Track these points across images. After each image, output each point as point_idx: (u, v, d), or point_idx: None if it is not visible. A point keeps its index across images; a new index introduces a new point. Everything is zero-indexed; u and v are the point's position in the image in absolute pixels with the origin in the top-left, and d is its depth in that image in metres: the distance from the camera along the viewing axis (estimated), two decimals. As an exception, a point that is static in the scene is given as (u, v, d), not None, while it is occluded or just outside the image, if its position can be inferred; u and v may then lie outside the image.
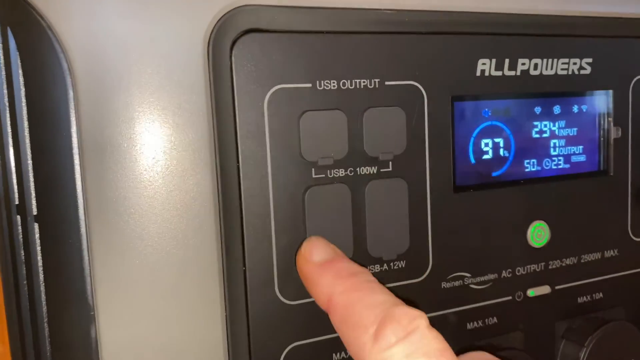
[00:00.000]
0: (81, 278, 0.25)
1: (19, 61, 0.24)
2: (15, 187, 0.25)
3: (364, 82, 0.29)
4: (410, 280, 0.31)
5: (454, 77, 0.31)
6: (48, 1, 0.24)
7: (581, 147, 0.36)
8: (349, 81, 0.28)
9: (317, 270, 0.26)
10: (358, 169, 0.29)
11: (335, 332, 0.29)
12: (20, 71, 0.24)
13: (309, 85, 0.28)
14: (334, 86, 0.28)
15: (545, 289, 0.35)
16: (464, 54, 0.31)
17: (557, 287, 0.35)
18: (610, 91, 0.36)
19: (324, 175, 0.28)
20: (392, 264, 0.30)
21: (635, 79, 0.37)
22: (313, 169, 0.28)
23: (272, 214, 0.27)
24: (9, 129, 0.25)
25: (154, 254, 0.25)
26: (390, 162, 0.30)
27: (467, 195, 0.32)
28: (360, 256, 0.29)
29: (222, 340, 0.27)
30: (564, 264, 0.36)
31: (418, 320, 0.22)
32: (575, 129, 0.36)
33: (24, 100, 0.25)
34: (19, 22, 0.24)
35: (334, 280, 0.25)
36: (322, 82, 0.28)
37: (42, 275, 0.25)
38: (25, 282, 0.26)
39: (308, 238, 0.27)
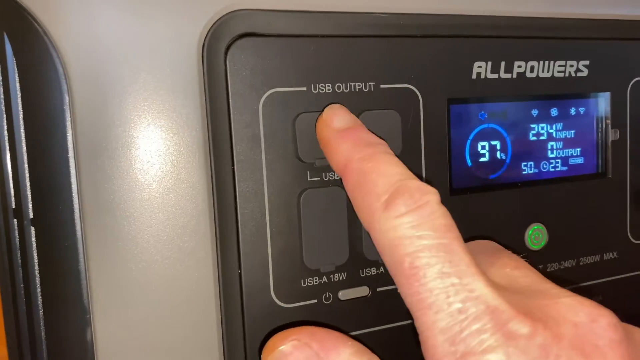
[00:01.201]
0: (77, 281, 0.25)
1: (15, 66, 0.25)
2: (12, 191, 0.26)
3: (359, 85, 0.29)
4: (406, 283, 0.31)
5: (450, 80, 0.31)
6: (44, 7, 0.24)
7: (579, 149, 0.36)
8: (343, 84, 0.28)
9: (336, 135, 0.26)
10: (353, 172, 0.29)
11: (331, 335, 0.29)
12: (16, 76, 0.25)
13: (304, 88, 0.28)
14: (329, 89, 0.28)
15: (543, 292, 0.35)
16: (460, 57, 0.31)
17: (555, 290, 0.35)
18: (608, 93, 0.36)
19: (319, 179, 0.28)
20: (388, 266, 0.30)
21: (633, 81, 0.37)
22: (308, 172, 0.28)
23: (268, 217, 0.27)
24: (6, 134, 0.25)
25: (149, 257, 0.26)
26: (386, 165, 0.30)
27: (463, 198, 0.32)
28: (356, 259, 0.29)
29: (217, 343, 0.27)
30: (562, 267, 0.35)
31: (430, 195, 0.23)
32: (572, 131, 0.36)
33: (20, 105, 0.25)
34: (15, 28, 0.25)
35: (353, 148, 0.25)
36: (317, 85, 0.28)
37: (39, 279, 0.26)
38: (22, 285, 0.26)
39: (330, 105, 0.28)
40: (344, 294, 0.29)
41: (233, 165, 0.27)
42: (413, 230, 0.22)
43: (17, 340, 0.27)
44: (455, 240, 0.22)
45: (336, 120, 0.27)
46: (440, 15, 0.30)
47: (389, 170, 0.24)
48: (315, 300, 0.29)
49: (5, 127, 0.25)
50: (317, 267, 0.28)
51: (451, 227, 0.22)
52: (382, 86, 0.29)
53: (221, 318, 0.27)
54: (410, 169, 0.30)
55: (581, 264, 0.36)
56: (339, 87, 0.28)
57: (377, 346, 0.31)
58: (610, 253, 0.37)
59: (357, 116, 0.29)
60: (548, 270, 0.35)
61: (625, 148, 0.37)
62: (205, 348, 0.27)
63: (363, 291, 0.30)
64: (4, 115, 0.25)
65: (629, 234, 0.37)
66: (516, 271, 0.25)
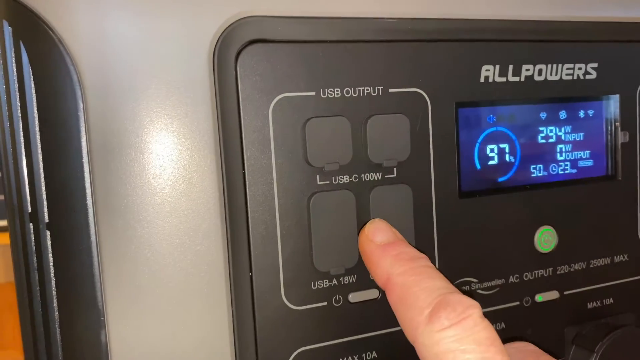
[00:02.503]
0: (91, 284, 0.26)
1: (31, 74, 0.25)
2: (28, 195, 0.26)
3: (367, 89, 0.29)
4: (416, 286, 0.31)
5: (458, 84, 0.31)
6: (59, 16, 0.25)
7: (588, 152, 0.36)
8: (352, 89, 0.29)
9: (378, 250, 0.27)
10: (362, 175, 0.29)
11: (341, 337, 0.30)
12: (32, 84, 0.25)
13: (313, 93, 0.28)
14: (337, 94, 0.29)
15: (553, 294, 0.35)
16: (468, 61, 0.32)
17: (565, 293, 0.35)
18: (617, 96, 0.36)
19: (328, 182, 0.29)
20: (397, 269, 0.30)
21: (642, 83, 0.37)
22: (318, 176, 0.28)
23: (278, 220, 0.28)
24: (22, 140, 0.26)
25: (162, 260, 0.26)
26: (395, 169, 0.30)
27: (472, 201, 0.32)
28: (366, 262, 0.30)
29: (229, 345, 0.27)
30: (572, 269, 0.35)
31: (472, 309, 0.23)
32: (581, 134, 0.36)
33: (36, 111, 0.25)
34: (31, 37, 0.25)
35: (394, 262, 0.26)
36: (326, 90, 0.28)
37: (54, 282, 0.26)
38: (38, 288, 0.27)
39: (372, 220, 0.29)
40: (354, 297, 0.30)
41: (244, 169, 0.27)
42: (457, 344, 0.22)
43: (34, 342, 0.27)
44: (498, 355, 0.23)
45: (378, 236, 0.28)
46: (447, 19, 0.31)
47: (431, 284, 0.25)
48: (326, 303, 0.29)
49: (22, 133, 0.26)
50: (327, 269, 0.29)
51: (494, 340, 0.23)
52: (390, 90, 0.30)
53: (232, 319, 0.27)
54: (419, 173, 0.31)
55: (591, 266, 0.36)
56: (347, 92, 0.29)
57: (386, 349, 0.31)
58: (621, 255, 0.37)
59: (366, 120, 0.29)
60: (558, 272, 0.35)
61: (635, 150, 0.37)
62: (217, 349, 0.27)
63: (373, 294, 0.30)
64: (20, 122, 0.26)
65: (639, 236, 0.37)
66: None
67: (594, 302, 0.36)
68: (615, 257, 0.37)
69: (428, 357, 0.23)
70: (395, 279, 0.26)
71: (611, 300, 0.37)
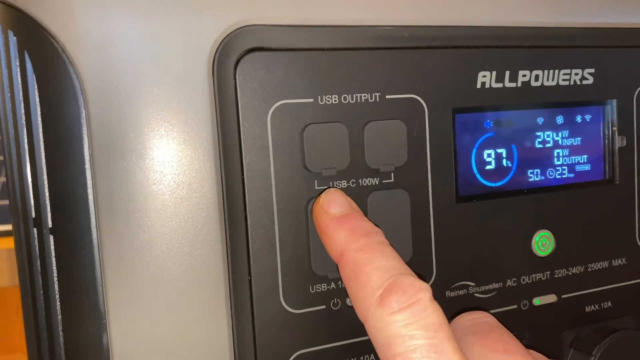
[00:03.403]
0: (93, 287, 0.26)
1: (35, 82, 0.26)
2: (32, 201, 0.27)
3: (364, 96, 0.30)
4: (414, 289, 0.31)
5: (455, 90, 0.32)
6: (62, 26, 0.25)
7: (585, 156, 0.36)
8: (349, 95, 0.29)
9: (333, 223, 0.27)
10: (360, 181, 0.30)
11: (341, 340, 0.30)
12: (36, 91, 0.26)
13: (311, 100, 0.29)
14: (335, 100, 0.29)
15: (551, 298, 0.35)
16: (464, 67, 0.32)
17: (563, 296, 0.36)
18: (614, 101, 0.36)
19: (326, 187, 0.29)
20: (395, 273, 0.31)
21: (639, 89, 0.37)
22: (316, 181, 0.29)
23: (276, 225, 0.28)
24: (26, 146, 0.27)
25: (162, 265, 0.26)
26: (392, 174, 0.30)
27: (470, 206, 0.33)
28: (364, 266, 0.30)
29: (228, 348, 0.28)
30: (570, 273, 0.36)
31: (422, 292, 0.23)
32: (579, 138, 0.36)
33: (39, 118, 0.26)
34: (35, 46, 0.26)
35: (348, 237, 0.26)
36: (324, 96, 0.29)
37: (57, 285, 0.27)
38: (41, 291, 0.27)
39: (327, 190, 0.28)
40: (352, 300, 0.30)
41: (243, 175, 0.28)
42: (405, 329, 0.23)
43: (37, 345, 0.28)
44: (445, 340, 0.23)
45: (333, 207, 0.27)
46: (444, 26, 0.31)
47: (384, 264, 0.25)
48: (324, 306, 0.30)
49: (26, 140, 0.27)
50: (325, 273, 0.29)
51: (442, 325, 0.23)
52: (387, 96, 0.30)
53: (232, 323, 0.28)
54: (417, 178, 0.31)
55: (589, 269, 0.36)
56: (345, 98, 0.29)
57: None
58: (619, 259, 0.37)
59: (364, 126, 0.29)
60: (556, 276, 0.35)
61: (633, 154, 0.37)
62: (216, 352, 0.27)
63: (371, 297, 0.30)
64: (25, 129, 0.27)
65: (637, 240, 0.38)
66: (505, 356, 0.25)
67: (592, 306, 0.36)
68: (613, 260, 0.37)
69: (378, 339, 0.23)
70: (348, 255, 0.25)
71: (609, 304, 0.37)
